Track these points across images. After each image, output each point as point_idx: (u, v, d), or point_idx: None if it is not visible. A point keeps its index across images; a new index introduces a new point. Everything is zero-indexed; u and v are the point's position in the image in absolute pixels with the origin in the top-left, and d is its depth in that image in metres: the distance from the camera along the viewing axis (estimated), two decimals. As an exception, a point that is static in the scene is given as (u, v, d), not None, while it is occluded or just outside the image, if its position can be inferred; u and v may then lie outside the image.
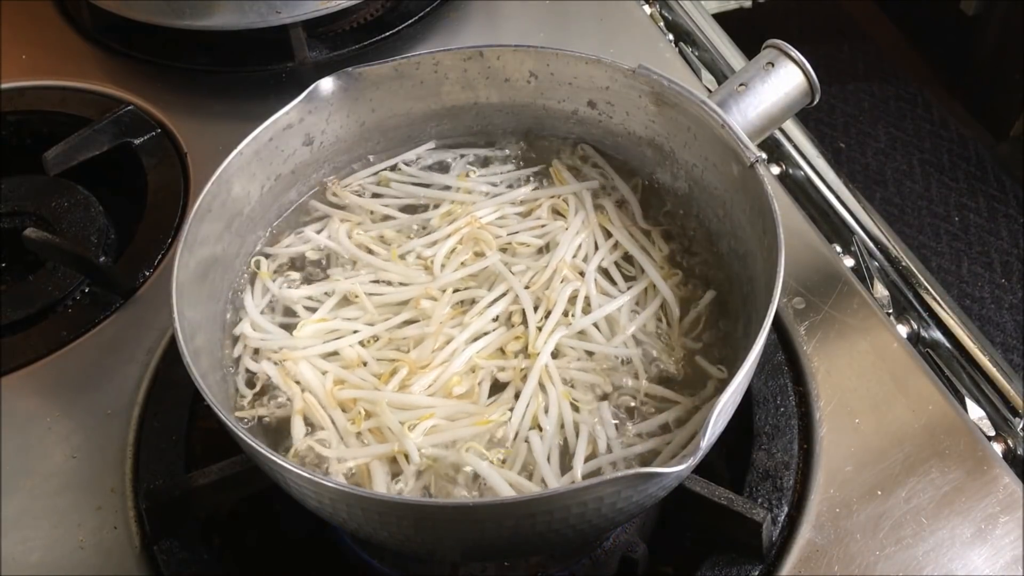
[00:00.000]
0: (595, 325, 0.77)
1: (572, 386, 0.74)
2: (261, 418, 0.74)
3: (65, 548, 0.76)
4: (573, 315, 0.77)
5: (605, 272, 0.81)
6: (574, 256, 0.82)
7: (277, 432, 0.73)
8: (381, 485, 0.68)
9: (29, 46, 1.22)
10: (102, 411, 0.84)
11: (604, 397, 0.74)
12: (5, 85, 1.16)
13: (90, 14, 1.23)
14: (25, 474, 0.80)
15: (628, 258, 0.83)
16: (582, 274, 0.80)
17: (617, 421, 0.72)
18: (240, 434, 0.60)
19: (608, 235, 0.84)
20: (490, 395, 0.74)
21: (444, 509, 0.61)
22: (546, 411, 0.72)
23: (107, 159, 1.08)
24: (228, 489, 0.75)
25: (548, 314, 0.77)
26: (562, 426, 0.71)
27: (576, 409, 0.72)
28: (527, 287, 0.79)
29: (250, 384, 0.75)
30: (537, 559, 0.76)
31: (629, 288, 0.80)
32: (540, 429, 0.71)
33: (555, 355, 0.75)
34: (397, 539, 0.64)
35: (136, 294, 0.93)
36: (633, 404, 0.73)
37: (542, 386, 0.73)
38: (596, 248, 0.83)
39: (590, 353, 0.76)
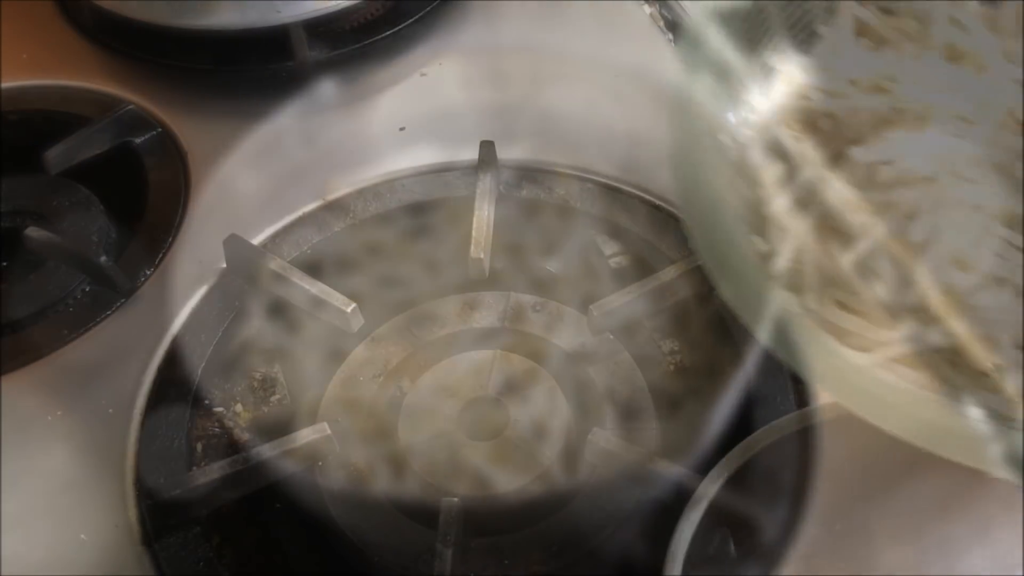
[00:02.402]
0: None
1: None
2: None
3: (65, 546, 0.76)
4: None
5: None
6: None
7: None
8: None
9: (29, 45, 1.22)
10: (103, 410, 0.84)
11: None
12: (5, 84, 1.15)
13: (91, 14, 1.23)
14: (25, 473, 0.80)
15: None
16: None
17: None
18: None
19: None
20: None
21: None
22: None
23: (107, 158, 1.08)
24: (228, 489, 0.75)
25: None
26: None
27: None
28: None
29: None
30: (537, 559, 0.76)
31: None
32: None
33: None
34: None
35: (137, 293, 0.93)
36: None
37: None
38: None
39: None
